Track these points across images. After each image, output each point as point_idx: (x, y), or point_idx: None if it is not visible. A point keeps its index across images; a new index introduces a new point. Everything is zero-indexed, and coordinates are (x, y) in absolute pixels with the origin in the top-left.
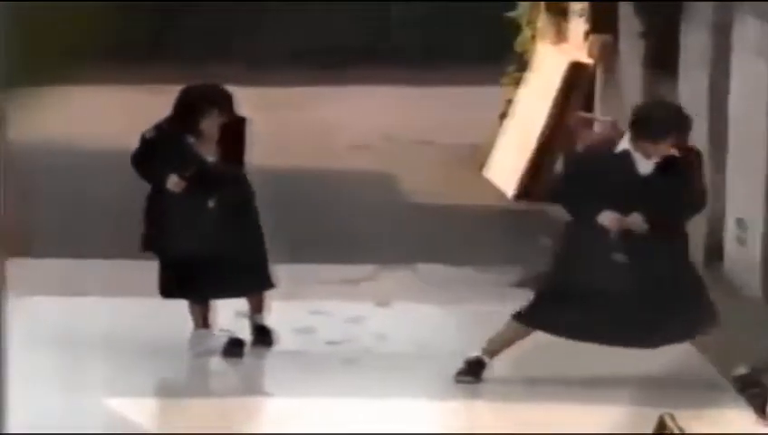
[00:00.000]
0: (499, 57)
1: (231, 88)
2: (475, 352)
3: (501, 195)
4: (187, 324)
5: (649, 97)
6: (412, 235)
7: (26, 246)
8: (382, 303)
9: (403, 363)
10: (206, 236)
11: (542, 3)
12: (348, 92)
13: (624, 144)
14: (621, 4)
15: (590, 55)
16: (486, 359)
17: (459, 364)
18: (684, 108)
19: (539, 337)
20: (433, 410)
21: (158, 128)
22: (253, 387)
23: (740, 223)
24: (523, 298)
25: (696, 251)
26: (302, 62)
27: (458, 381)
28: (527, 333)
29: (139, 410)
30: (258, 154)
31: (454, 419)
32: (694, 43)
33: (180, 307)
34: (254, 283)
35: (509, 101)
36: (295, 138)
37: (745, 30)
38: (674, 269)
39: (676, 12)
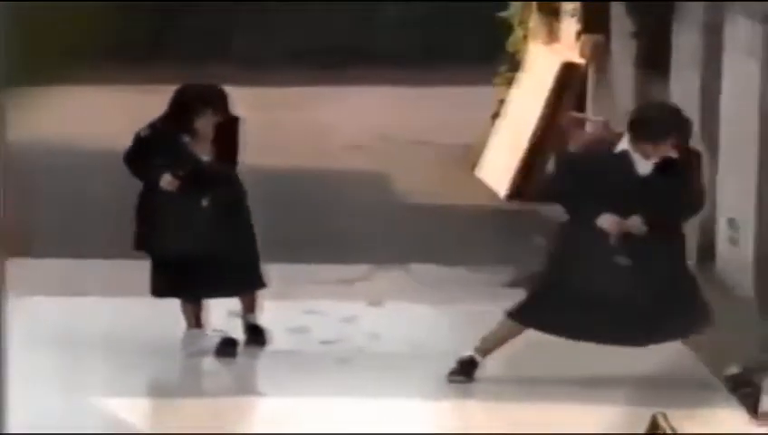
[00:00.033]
0: (495, 57)
1: (228, 88)
2: (467, 352)
3: (493, 195)
4: (185, 324)
5: (641, 97)
6: (406, 235)
7: (26, 246)
8: (376, 302)
9: (396, 363)
10: (200, 235)
11: (534, 3)
12: (343, 93)
13: (623, 144)
14: (613, 4)
15: (582, 55)
16: (479, 358)
17: (452, 364)
18: (684, 111)
19: (531, 337)
20: (426, 410)
21: (153, 127)
22: (246, 387)
23: (732, 223)
24: (516, 298)
25: (688, 251)
26: (298, 62)
27: (451, 381)
28: (520, 332)
29: (138, 410)
30: (254, 154)
31: (447, 418)
32: (685, 43)
33: (179, 307)
34: (246, 282)
35: (501, 101)
36: (291, 138)
37: (736, 30)
38: (672, 269)
39: (668, 12)
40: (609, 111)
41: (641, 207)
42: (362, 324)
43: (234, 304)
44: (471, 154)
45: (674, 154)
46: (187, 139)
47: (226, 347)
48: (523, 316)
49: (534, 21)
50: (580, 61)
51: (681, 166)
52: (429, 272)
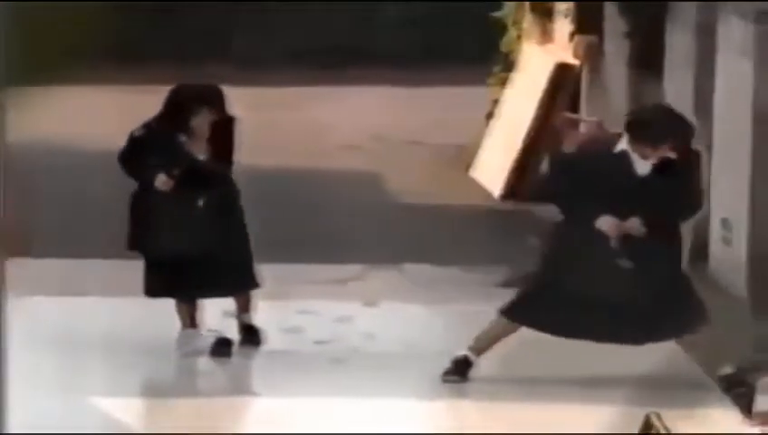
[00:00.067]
0: (489, 57)
1: (225, 88)
2: (461, 351)
3: (487, 195)
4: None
5: (635, 97)
6: (400, 235)
7: (26, 246)
8: (370, 302)
9: (391, 363)
10: (195, 235)
11: (528, 3)
12: (338, 93)
13: (622, 145)
14: (606, 4)
15: (576, 56)
16: (473, 357)
17: (446, 364)
18: (686, 115)
19: (526, 337)
20: (420, 410)
21: (147, 126)
22: (241, 387)
23: (725, 223)
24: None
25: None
26: (295, 62)
27: (445, 381)
28: (514, 330)
29: (134, 410)
30: (249, 153)
31: (441, 418)
32: (678, 43)
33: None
34: (240, 283)
35: (495, 102)
36: (286, 137)
37: (729, 30)
38: (669, 269)
39: (661, 12)
40: (603, 111)
41: (640, 208)
42: (357, 324)
43: (228, 304)
44: (465, 154)
45: (673, 155)
46: (182, 138)
47: (221, 347)
48: (515, 314)
49: (528, 21)
50: (573, 61)
51: (680, 166)
52: (423, 272)
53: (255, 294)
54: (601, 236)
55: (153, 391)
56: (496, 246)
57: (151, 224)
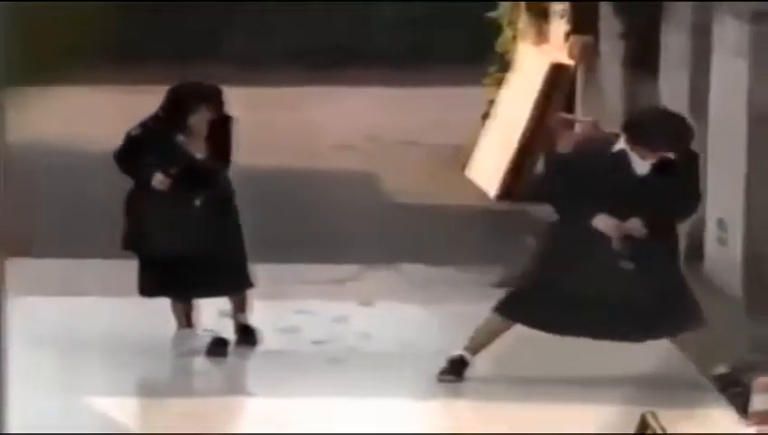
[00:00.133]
0: (484, 58)
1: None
2: (457, 351)
3: (483, 195)
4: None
5: (630, 97)
6: (396, 235)
7: (26, 246)
8: (366, 302)
9: (387, 363)
10: (192, 234)
11: (523, 3)
12: (333, 93)
13: (620, 144)
14: (602, 4)
15: (571, 56)
16: (469, 357)
17: (442, 363)
18: (687, 118)
19: (522, 336)
20: (417, 410)
21: (144, 125)
22: (237, 387)
23: (720, 223)
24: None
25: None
26: (290, 62)
27: (441, 381)
28: (508, 327)
29: (131, 409)
30: (245, 153)
31: (437, 418)
32: (674, 43)
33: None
34: (235, 282)
35: (491, 102)
36: (282, 137)
37: (724, 30)
38: (666, 268)
39: (656, 12)
40: (599, 111)
41: (638, 208)
42: (353, 324)
43: (224, 304)
44: (461, 154)
45: (672, 155)
46: (180, 137)
47: (217, 347)
48: (509, 311)
49: (523, 21)
50: (569, 61)
51: (679, 166)
52: (420, 272)
53: (251, 294)
54: (597, 236)
55: (149, 390)
56: (492, 245)
57: (147, 223)
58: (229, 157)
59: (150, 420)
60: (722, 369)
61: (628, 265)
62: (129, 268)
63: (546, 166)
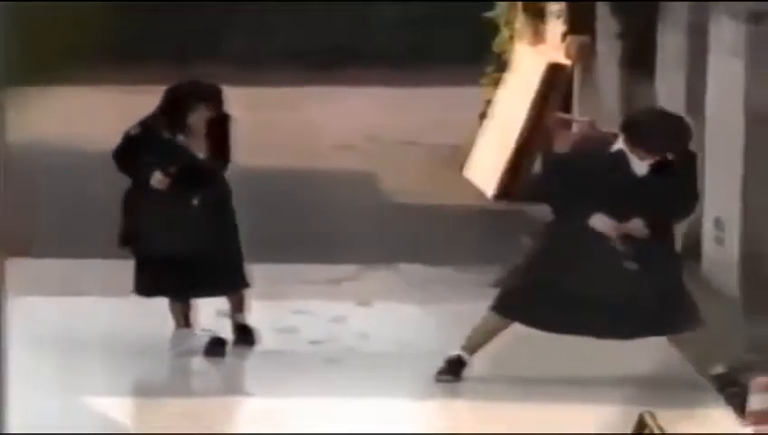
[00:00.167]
0: (481, 58)
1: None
2: (455, 351)
3: (481, 195)
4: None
5: (627, 97)
6: (394, 235)
7: (26, 246)
8: (364, 302)
9: (385, 363)
10: (190, 234)
11: (520, 3)
12: (332, 93)
13: (618, 144)
14: (598, 4)
15: (568, 56)
16: (466, 357)
17: (440, 363)
18: (685, 118)
19: (519, 336)
20: (414, 410)
21: (143, 124)
22: (235, 386)
23: (717, 223)
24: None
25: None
26: (288, 62)
27: (439, 380)
28: (505, 326)
29: (131, 409)
30: (243, 153)
31: (435, 418)
32: (670, 43)
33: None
34: (231, 282)
35: (488, 102)
36: (280, 137)
37: (721, 30)
38: (667, 268)
39: (653, 12)
40: (595, 111)
41: (637, 208)
42: (351, 324)
43: (222, 303)
44: (459, 154)
45: (670, 155)
46: (179, 136)
47: (215, 347)
48: (506, 310)
49: (520, 22)
50: (565, 61)
51: (677, 167)
52: (417, 272)
53: (249, 294)
54: (595, 235)
55: (148, 390)
56: (490, 245)
57: (145, 222)
58: (229, 156)
59: (149, 419)
60: (719, 369)
61: (631, 265)
62: (129, 268)
63: (544, 166)
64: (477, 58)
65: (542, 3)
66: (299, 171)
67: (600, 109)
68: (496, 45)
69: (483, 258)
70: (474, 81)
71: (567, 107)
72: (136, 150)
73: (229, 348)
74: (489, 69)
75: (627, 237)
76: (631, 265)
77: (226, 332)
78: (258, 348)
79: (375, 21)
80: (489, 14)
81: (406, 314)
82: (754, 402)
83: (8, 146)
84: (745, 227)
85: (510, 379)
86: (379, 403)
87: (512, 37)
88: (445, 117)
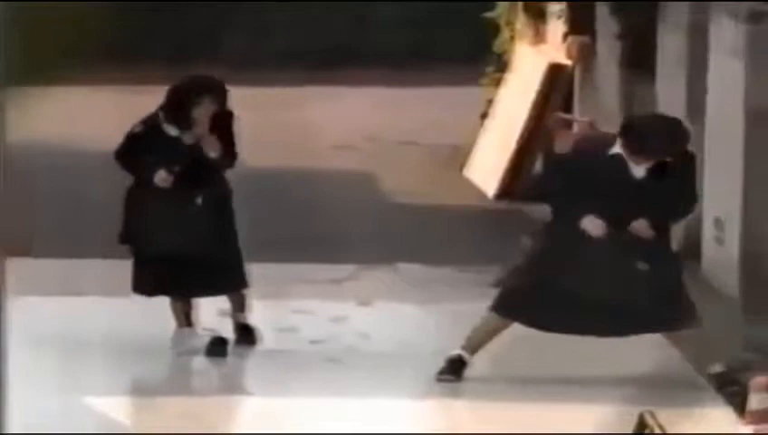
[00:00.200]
0: (482, 58)
1: None
2: (455, 351)
3: (482, 195)
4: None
5: (628, 97)
6: (394, 235)
7: (26, 246)
8: (364, 302)
9: (385, 362)
10: (192, 232)
11: (521, 4)
12: (332, 93)
13: (617, 148)
14: (598, 5)
15: (569, 56)
16: (467, 356)
17: (440, 363)
18: (683, 121)
19: (519, 336)
20: (415, 409)
21: (147, 122)
22: (236, 386)
23: (717, 223)
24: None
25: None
26: (287, 62)
27: (440, 380)
28: (506, 326)
29: (130, 409)
30: (244, 153)
31: (435, 418)
32: (670, 43)
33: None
34: (231, 282)
35: (489, 102)
36: (280, 137)
37: (721, 30)
38: (669, 268)
39: (653, 13)
40: (596, 111)
41: (637, 209)
42: (351, 324)
43: (224, 303)
44: (459, 154)
45: (669, 158)
46: (184, 133)
47: (217, 346)
48: (507, 310)
49: (521, 22)
50: (566, 62)
51: (676, 169)
52: (418, 272)
53: (250, 294)
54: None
55: (149, 390)
56: (490, 245)
57: (147, 220)
58: (235, 153)
59: (150, 419)
60: (719, 368)
61: (643, 265)
62: (129, 268)
63: (544, 166)
64: (477, 58)
65: (543, 3)
66: (299, 171)
67: (600, 109)
68: (497, 46)
69: (483, 258)
70: (474, 81)
71: (567, 107)
72: (139, 149)
73: (230, 347)
74: (490, 69)
75: (633, 238)
76: (642, 266)
77: (228, 331)
78: (259, 348)
79: (375, 21)
80: (490, 15)
81: (406, 314)
82: (754, 402)
83: (8, 146)
84: (745, 226)
85: (510, 379)
86: (379, 403)
87: (512, 37)
88: (445, 117)
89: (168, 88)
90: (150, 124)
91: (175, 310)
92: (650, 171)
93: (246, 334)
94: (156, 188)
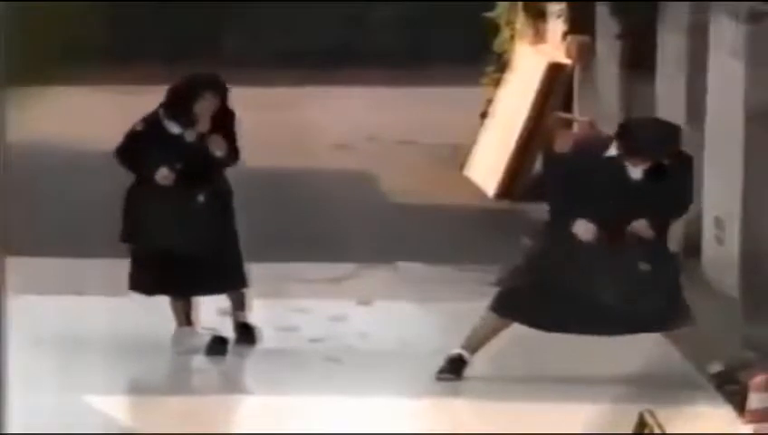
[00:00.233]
0: (482, 58)
1: None
2: (455, 350)
3: (481, 194)
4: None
5: (627, 97)
6: (394, 234)
7: (26, 246)
8: (364, 301)
9: (385, 361)
10: (194, 230)
11: (520, 3)
12: (331, 93)
13: (614, 150)
14: (598, 5)
15: (569, 56)
16: (467, 356)
17: (440, 362)
18: (677, 126)
19: (520, 336)
20: (415, 408)
21: (148, 120)
22: (235, 385)
23: (717, 222)
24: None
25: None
26: (287, 62)
27: (439, 379)
28: (505, 325)
29: (130, 408)
30: (243, 153)
31: (435, 417)
32: (670, 43)
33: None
34: (231, 280)
35: (489, 101)
36: (279, 137)
37: (721, 30)
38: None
39: (653, 13)
40: (595, 110)
41: (635, 210)
42: (351, 323)
43: (224, 302)
44: (459, 154)
45: (665, 161)
46: (185, 130)
47: (217, 346)
48: (506, 309)
49: (521, 22)
50: (566, 61)
51: (672, 170)
52: (417, 271)
53: (250, 293)
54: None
55: (149, 389)
56: (490, 244)
57: (148, 218)
58: (237, 151)
59: (150, 418)
60: (718, 367)
61: (645, 266)
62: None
63: (545, 166)
64: (477, 58)
65: (543, 3)
66: (298, 171)
67: (599, 109)
68: (497, 45)
69: (483, 257)
70: (474, 81)
71: (567, 107)
72: (141, 147)
73: (230, 346)
74: (490, 69)
75: (632, 238)
76: (644, 266)
77: (228, 330)
78: (258, 347)
79: (375, 21)
80: (490, 14)
81: (406, 313)
82: (754, 401)
83: (8, 146)
84: (745, 225)
85: (510, 378)
86: (379, 402)
87: (512, 37)
88: (445, 117)
89: (168, 87)
90: (152, 122)
91: (175, 309)
92: (647, 173)
93: (246, 333)
94: (157, 186)
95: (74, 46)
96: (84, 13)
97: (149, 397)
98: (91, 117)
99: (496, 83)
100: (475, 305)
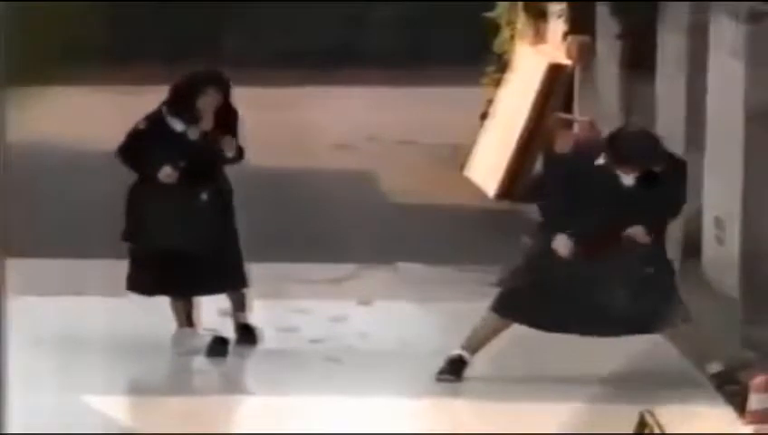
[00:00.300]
0: (482, 58)
1: None
2: (456, 350)
3: (482, 195)
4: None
5: (627, 97)
6: (394, 234)
7: (26, 246)
8: (364, 301)
9: (385, 362)
10: (196, 229)
11: (521, 3)
12: (332, 93)
13: (602, 159)
14: (598, 4)
15: (569, 56)
16: (467, 356)
17: (440, 362)
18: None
19: (520, 336)
20: (415, 409)
21: (151, 118)
22: (236, 385)
23: (718, 222)
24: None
25: (674, 250)
26: (287, 62)
27: (440, 380)
28: (506, 326)
29: (131, 408)
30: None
31: (435, 417)
32: (670, 43)
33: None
34: (231, 280)
35: (490, 101)
36: (279, 137)
37: (721, 30)
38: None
39: (653, 13)
40: (596, 111)
41: (629, 215)
42: (351, 323)
43: (225, 302)
44: (459, 154)
45: (657, 168)
46: (189, 128)
47: (218, 346)
48: (506, 310)
49: (521, 22)
50: (566, 61)
51: (664, 177)
52: (417, 271)
53: (250, 293)
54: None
55: (150, 390)
56: (490, 245)
57: (151, 217)
58: (242, 150)
59: (150, 418)
60: (718, 367)
61: (649, 269)
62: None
63: (545, 166)
64: (477, 58)
65: (543, 3)
66: (298, 171)
67: (599, 109)
68: (497, 45)
69: (483, 258)
70: (474, 81)
71: (567, 107)
72: (143, 145)
73: (231, 347)
74: (490, 69)
75: (629, 242)
76: (647, 270)
77: (228, 331)
78: (259, 347)
79: (374, 21)
80: (490, 14)
81: (406, 313)
82: (754, 402)
83: (8, 146)
84: (745, 225)
85: (510, 378)
86: (379, 402)
87: (513, 37)
88: (445, 117)
89: (171, 85)
90: (154, 120)
91: (176, 310)
92: (638, 180)
93: (247, 334)
94: (160, 185)
95: (74, 46)
96: (84, 13)
97: (149, 397)
98: (91, 117)
99: (496, 84)
100: (475, 306)
